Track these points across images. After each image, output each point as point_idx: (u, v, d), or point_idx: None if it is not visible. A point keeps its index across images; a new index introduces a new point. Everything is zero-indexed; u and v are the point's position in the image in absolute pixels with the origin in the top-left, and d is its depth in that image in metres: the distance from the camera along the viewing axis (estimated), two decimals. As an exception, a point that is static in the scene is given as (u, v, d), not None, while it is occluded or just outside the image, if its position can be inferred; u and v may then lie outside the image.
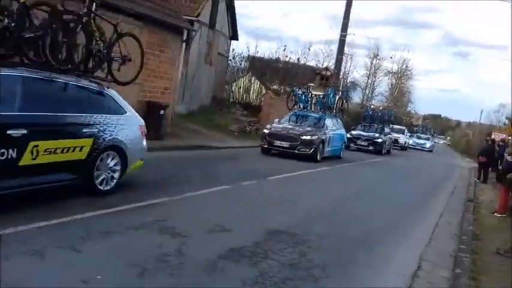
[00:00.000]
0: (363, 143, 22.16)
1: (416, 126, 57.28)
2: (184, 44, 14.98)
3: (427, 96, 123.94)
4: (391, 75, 59.17)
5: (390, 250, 5.63)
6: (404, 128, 34.67)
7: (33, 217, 4.61)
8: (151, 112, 12.17)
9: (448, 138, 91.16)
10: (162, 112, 12.38)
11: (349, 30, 26.56)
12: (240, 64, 28.33)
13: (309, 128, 14.39)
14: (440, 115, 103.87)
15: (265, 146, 13.83)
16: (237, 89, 27.02)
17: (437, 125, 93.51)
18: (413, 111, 68.71)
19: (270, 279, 4.02)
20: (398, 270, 4.88)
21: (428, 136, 45.61)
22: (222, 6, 21.90)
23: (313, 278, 4.20)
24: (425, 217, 8.12)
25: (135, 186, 6.80)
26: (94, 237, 4.37)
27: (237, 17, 24.57)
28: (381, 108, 30.57)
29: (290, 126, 14.45)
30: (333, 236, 5.72)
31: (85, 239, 4.26)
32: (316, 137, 13.83)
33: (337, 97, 18.91)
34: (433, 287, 4.60)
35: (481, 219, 8.72)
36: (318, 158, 13.81)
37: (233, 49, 26.58)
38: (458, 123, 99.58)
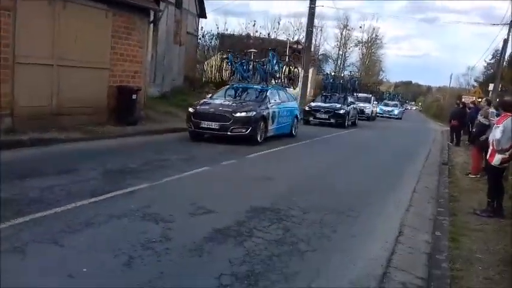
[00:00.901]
0: (323, 116, 19.95)
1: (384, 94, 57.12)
2: (152, 25, 14.64)
3: (398, 63, 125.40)
4: (361, 45, 59.54)
5: (371, 219, 5.74)
6: (370, 96, 32.08)
7: (11, 214, 4.50)
8: (123, 97, 11.93)
9: (420, 104, 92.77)
10: (134, 96, 12.15)
11: (317, 2, 26.43)
12: (210, 42, 27.95)
13: (246, 103, 11.82)
14: (411, 81, 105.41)
15: (192, 129, 11.33)
16: (209, 68, 26.69)
17: (408, 91, 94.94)
18: (385, 80, 69.59)
19: (256, 257, 4.05)
20: (380, 237, 4.98)
21: (396, 102, 43.18)
22: (187, -17, 21.39)
23: (299, 253, 4.26)
24: (402, 184, 8.29)
25: (113, 174, 6.71)
26: (76, 229, 4.30)
27: (204, -6, 24.06)
28: (342, 75, 28.34)
29: (224, 102, 11.90)
30: (316, 208, 5.78)
31: (67, 232, 4.20)
32: (254, 113, 11.21)
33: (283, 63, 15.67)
34: (414, 251, 4.74)
35: (457, 182, 8.97)
36: (259, 138, 11.36)
37: (202, 27, 26.17)
38: (429, 88, 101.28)
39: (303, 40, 33.36)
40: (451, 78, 71.45)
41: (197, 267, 3.79)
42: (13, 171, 6.31)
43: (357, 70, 57.54)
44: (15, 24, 9.05)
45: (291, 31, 39.20)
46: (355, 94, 25.89)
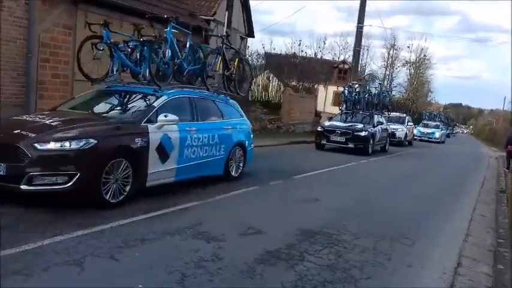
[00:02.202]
0: (339, 139, 15.75)
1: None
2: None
3: (447, 84, 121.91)
4: (409, 65, 58.36)
5: (427, 247, 5.51)
6: (404, 116, 26.07)
7: (71, 226, 4.65)
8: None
9: (471, 127, 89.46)
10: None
11: (365, 21, 26.26)
12: (257, 62, 28.28)
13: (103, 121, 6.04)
14: (461, 104, 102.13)
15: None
16: (255, 87, 26.97)
17: (459, 113, 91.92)
18: (434, 101, 67.71)
19: (309, 282, 3.97)
20: (438, 268, 4.76)
21: (437, 123, 36.35)
22: (237, 3, 21.81)
23: (353, 280, 4.13)
24: (457, 212, 7.94)
25: (166, 192, 6.81)
26: (131, 244, 4.38)
27: (252, 14, 24.50)
28: (368, 88, 21.31)
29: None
30: (368, 234, 5.62)
31: (123, 247, 4.28)
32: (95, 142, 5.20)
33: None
34: (475, 284, 4.49)
35: (516, 211, 8.49)
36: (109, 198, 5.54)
37: (248, 46, 26.54)
38: (481, 111, 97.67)
39: (349, 59, 33.23)
40: (504, 100, 68.28)
41: (250, 289, 3.75)
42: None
43: (404, 90, 56.44)
44: (75, 42, 9.52)
45: (336, 50, 39.11)
46: (386, 113, 21.20)
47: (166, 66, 7.03)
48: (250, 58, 27.24)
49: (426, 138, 31.47)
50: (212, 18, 18.47)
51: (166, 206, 5.91)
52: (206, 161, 7.34)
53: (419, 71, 60.37)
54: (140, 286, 3.53)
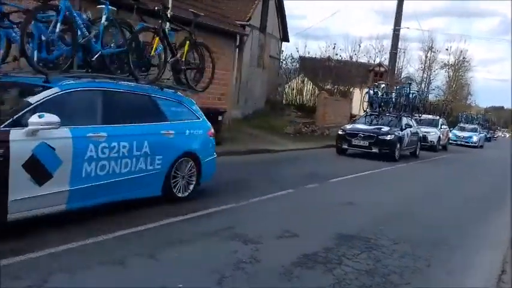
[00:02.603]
0: (361, 143, 14.44)
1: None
2: (237, 49, 15.17)
3: (488, 87, 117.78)
4: (447, 67, 56.91)
5: (468, 253, 5.36)
6: (437, 118, 23.74)
7: (112, 227, 4.80)
8: (210, 118, 12.32)
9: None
10: (220, 118, 12.56)
11: (402, 24, 25.83)
12: (292, 65, 28.27)
13: None
14: (503, 107, 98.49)
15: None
16: (290, 91, 26.98)
17: (500, 117, 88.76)
18: (474, 104, 65.69)
19: (347, 286, 3.94)
20: (481, 275, 4.63)
21: (475, 126, 33.30)
22: (271, 8, 21.94)
23: (392, 285, 4.07)
24: (498, 217, 7.68)
25: (202, 193, 6.91)
26: (170, 244, 4.48)
27: (286, 18, 24.55)
28: (396, 87, 19.36)
29: None
30: (406, 239, 5.52)
31: (162, 247, 4.38)
32: None
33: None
34: (520, 293, 4.33)
35: None
36: None
37: (282, 50, 26.58)
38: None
39: (385, 62, 32.72)
40: (549, 104, 65.43)
41: (287, 291, 3.76)
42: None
43: (442, 93, 55.03)
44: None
45: (372, 54, 38.56)
46: (417, 115, 19.58)
47: (65, 47, 5.12)
48: (284, 62, 27.31)
49: (462, 143, 28.96)
50: (247, 23, 18.63)
51: (202, 208, 6.00)
52: (128, 179, 5.32)
53: (459, 73, 58.76)
54: (180, 285, 3.60)
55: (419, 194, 9.28)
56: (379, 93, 17.10)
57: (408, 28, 57.32)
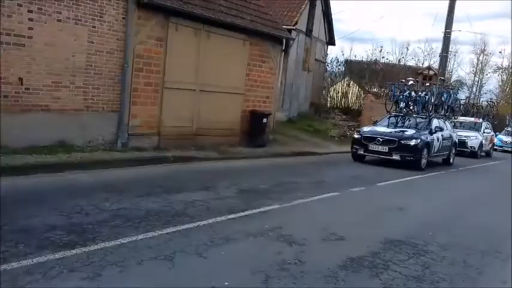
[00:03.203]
0: (380, 148, 12.20)
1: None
2: (283, 53, 15.18)
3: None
4: (501, 71, 54.48)
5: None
6: (480, 121, 20.85)
7: (161, 224, 4.95)
8: (255, 120, 12.49)
9: None
10: (265, 120, 12.63)
11: (453, 27, 25.01)
12: (337, 68, 27.97)
13: None
14: None
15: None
16: (335, 94, 26.70)
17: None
18: (529, 109, 62.39)
19: (395, 291, 3.87)
20: (537, 287, 4.41)
21: None
22: (318, 12, 21.82)
23: (442, 292, 3.97)
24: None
25: (248, 194, 7.00)
26: (217, 243, 4.56)
27: (333, 22, 24.33)
28: (427, 84, 17.32)
29: None
30: (456, 246, 5.35)
31: (209, 245, 4.47)
32: None
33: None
34: None
35: None
36: None
37: (328, 54, 26.35)
38: None
39: (435, 65, 31.73)
40: None
41: (333, 294, 3.74)
42: (160, 185, 6.95)
43: (495, 98, 52.68)
44: (166, 53, 10.10)
45: (420, 57, 37.57)
46: (454, 117, 17.69)
47: None
48: (330, 65, 27.05)
49: (509, 149, 25.30)
50: (294, 27, 18.63)
51: (248, 208, 6.07)
52: None
53: (513, 77, 56.10)
54: (226, 284, 3.67)
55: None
56: (406, 91, 14.50)
57: (460, 31, 55.33)
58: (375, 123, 14.42)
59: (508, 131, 28.39)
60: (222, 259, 4.20)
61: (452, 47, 34.14)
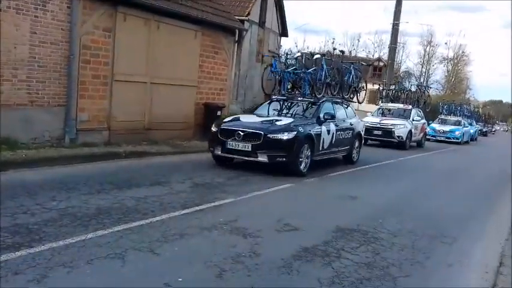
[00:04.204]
0: (241, 146, 8.47)
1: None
2: (236, 44, 15.12)
3: (487, 81, 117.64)
4: (446, 61, 56.97)
5: (467, 246, 5.38)
6: (409, 108, 18.97)
7: (111, 222, 4.81)
8: (208, 113, 12.37)
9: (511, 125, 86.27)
10: (219, 113, 12.54)
11: (401, 19, 25.83)
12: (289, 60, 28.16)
13: None
14: (501, 101, 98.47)
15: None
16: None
17: (499, 111, 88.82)
18: (473, 98, 65.67)
19: (346, 279, 3.95)
20: (479, 267, 4.65)
21: (459, 119, 27.29)
22: (270, 3, 21.90)
23: (391, 278, 4.09)
24: (497, 210, 7.70)
25: (202, 189, 6.93)
26: (170, 239, 4.49)
27: (285, 13, 24.48)
28: (316, 57, 12.21)
29: None
30: (405, 232, 5.54)
31: (162, 242, 4.39)
32: None
33: None
34: (519, 284, 4.34)
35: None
36: None
37: (281, 45, 26.53)
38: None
39: (384, 57, 32.72)
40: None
41: (287, 284, 3.77)
42: (111, 181, 6.75)
43: (441, 87, 55.08)
44: (114, 44, 9.79)
45: (371, 48, 38.55)
46: (357, 101, 13.23)
47: None
48: (283, 57, 27.21)
49: (442, 138, 24.46)
50: (247, 18, 18.59)
51: (202, 202, 6.01)
52: None
53: (458, 67, 58.84)
54: (180, 279, 3.62)
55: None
56: (291, 68, 11.21)
57: (407, 23, 57.27)
58: (251, 111, 11.56)
59: (441, 119, 27.11)
60: (175, 255, 4.14)
61: (401, 39, 35.26)
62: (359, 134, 11.71)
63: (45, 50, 8.58)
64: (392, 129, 17.07)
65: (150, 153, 9.63)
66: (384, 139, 17.18)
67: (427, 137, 22.26)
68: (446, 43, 55.58)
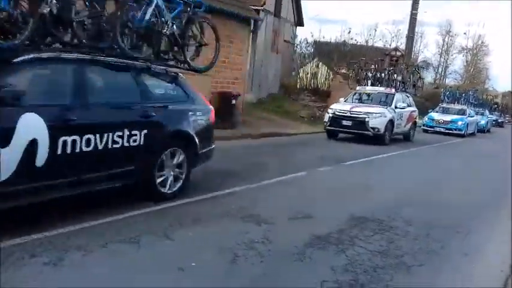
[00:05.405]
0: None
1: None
2: (251, 34, 15.07)
3: (507, 72, 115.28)
4: (465, 51, 55.97)
5: (483, 236, 5.31)
6: (392, 92, 15.09)
7: (127, 207, 4.86)
8: (223, 102, 12.38)
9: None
10: (233, 102, 12.56)
11: (419, 8, 25.45)
12: (306, 50, 27.99)
13: None
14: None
15: None
16: (304, 75, 26.76)
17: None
18: (492, 88, 64.43)
19: (359, 267, 3.93)
20: (496, 257, 4.59)
21: (463, 108, 23.24)
22: (286, -8, 21.72)
23: (405, 266, 4.06)
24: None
25: (215, 175, 6.95)
26: (185, 225, 4.53)
27: (301, 3, 24.26)
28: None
29: None
30: (420, 222, 5.49)
31: (176, 227, 4.43)
32: None
33: None
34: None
35: None
36: None
37: (297, 35, 26.33)
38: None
39: (402, 47, 32.23)
40: None
41: (299, 271, 3.78)
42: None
43: (460, 78, 54.19)
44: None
45: (388, 38, 38.02)
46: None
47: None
48: (299, 46, 27.05)
49: (442, 129, 20.74)
50: (262, 8, 18.46)
51: (216, 189, 6.04)
52: None
53: (477, 57, 57.79)
54: (193, 264, 3.65)
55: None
56: None
57: (426, 12, 56.29)
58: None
59: (443, 107, 23.44)
60: (189, 240, 4.18)
61: (418, 29, 34.69)
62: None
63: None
64: (366, 119, 13.31)
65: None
66: (356, 131, 13.59)
67: (426, 128, 20.55)
68: (465, 33, 54.32)
